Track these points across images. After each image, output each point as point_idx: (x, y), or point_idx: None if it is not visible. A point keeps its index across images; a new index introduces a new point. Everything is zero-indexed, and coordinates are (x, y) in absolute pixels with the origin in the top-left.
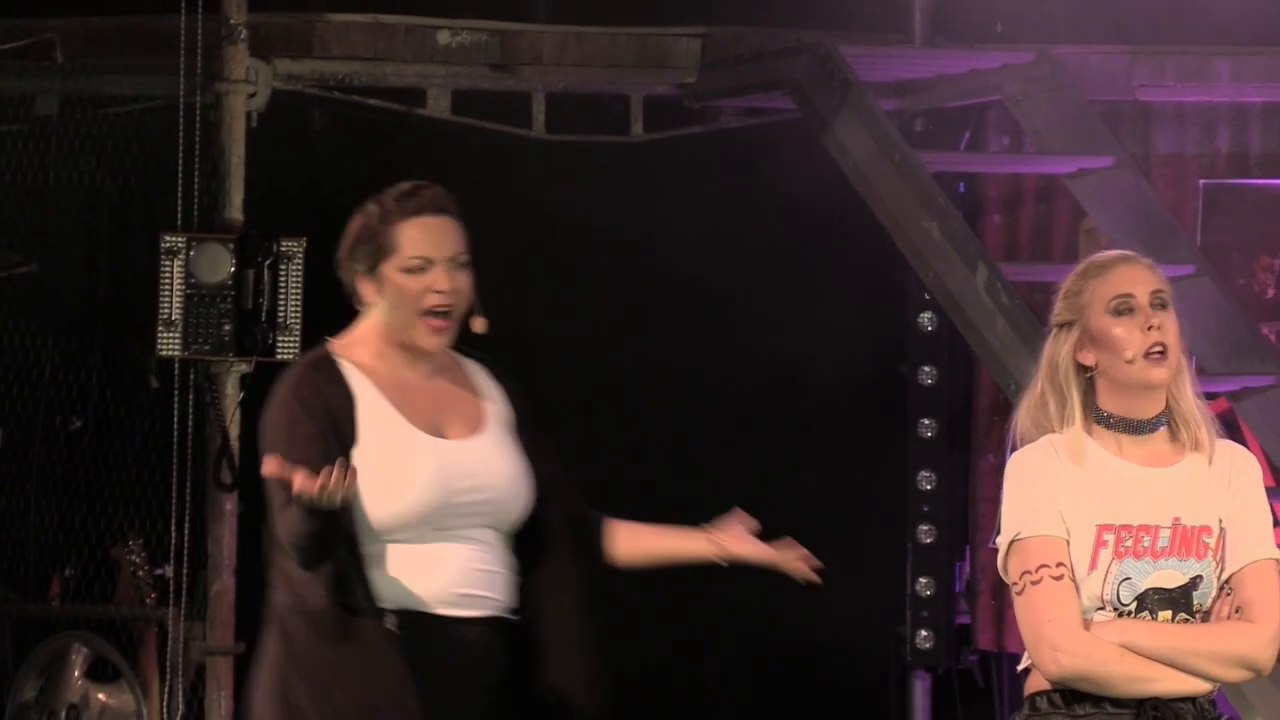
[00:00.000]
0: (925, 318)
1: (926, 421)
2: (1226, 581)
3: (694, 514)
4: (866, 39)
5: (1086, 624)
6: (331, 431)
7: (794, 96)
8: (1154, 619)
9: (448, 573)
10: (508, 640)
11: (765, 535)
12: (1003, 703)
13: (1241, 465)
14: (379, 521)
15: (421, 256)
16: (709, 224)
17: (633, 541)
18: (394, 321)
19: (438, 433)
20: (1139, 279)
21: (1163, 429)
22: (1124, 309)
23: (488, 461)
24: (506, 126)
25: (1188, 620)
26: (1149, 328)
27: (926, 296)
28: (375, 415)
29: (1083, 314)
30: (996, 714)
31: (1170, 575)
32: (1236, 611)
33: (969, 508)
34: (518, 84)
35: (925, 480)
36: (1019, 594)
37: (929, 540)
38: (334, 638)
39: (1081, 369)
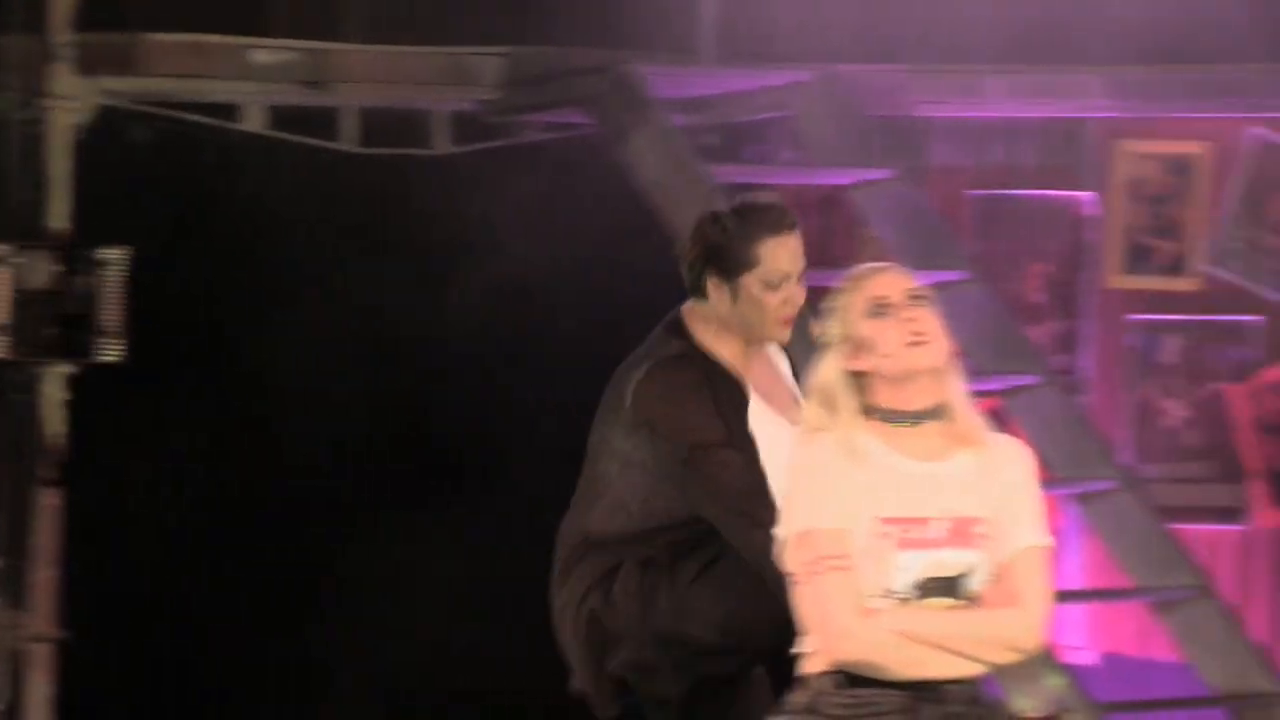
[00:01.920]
0: None
1: None
2: (997, 568)
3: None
4: (661, 58)
5: (867, 612)
6: (741, 432)
7: (592, 113)
8: (928, 606)
9: None
10: None
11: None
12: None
13: (1013, 456)
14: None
15: (782, 272)
16: (513, 232)
17: None
18: (748, 322)
19: (783, 412)
20: (893, 283)
21: (936, 421)
22: (881, 311)
23: None
24: (320, 141)
25: (960, 607)
26: (906, 321)
27: None
28: (756, 413)
29: (847, 325)
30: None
31: (945, 564)
32: (1006, 597)
33: None
34: (330, 100)
35: None
36: (801, 584)
37: None
38: None
39: (854, 375)
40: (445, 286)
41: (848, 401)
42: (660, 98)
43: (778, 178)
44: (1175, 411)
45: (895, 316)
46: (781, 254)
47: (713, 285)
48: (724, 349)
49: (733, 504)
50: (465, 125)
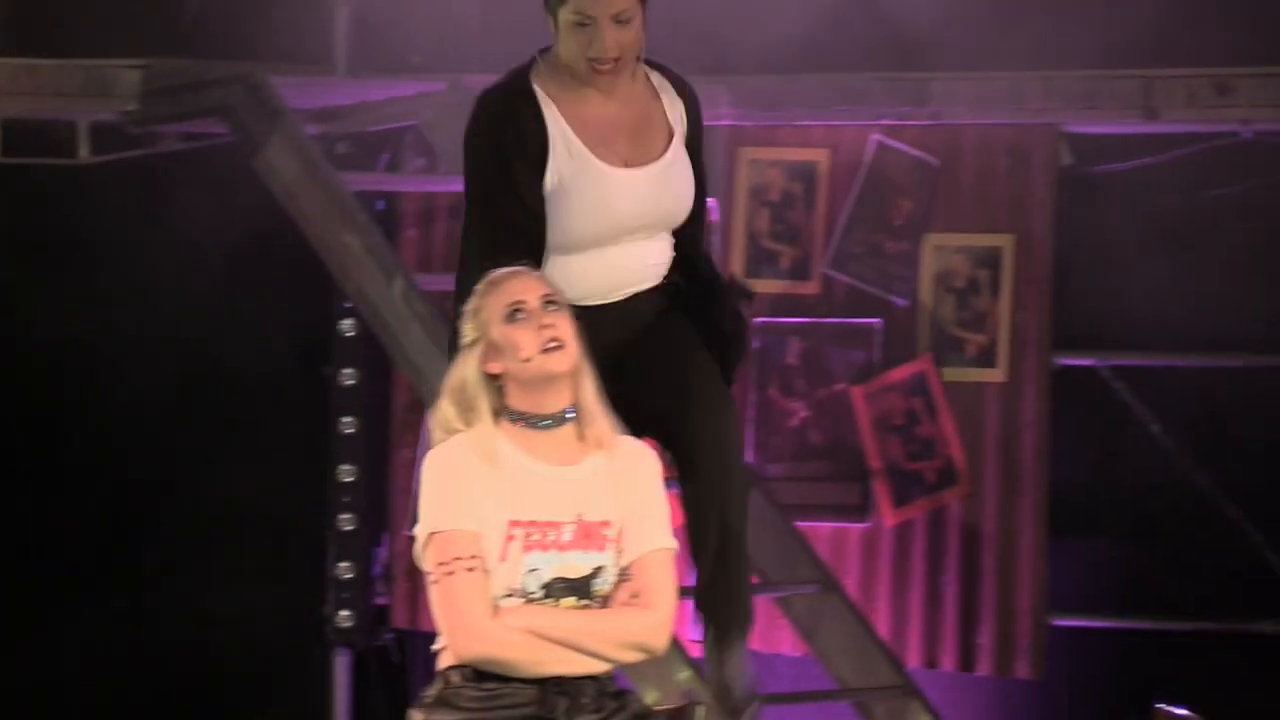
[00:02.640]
0: (346, 324)
1: (347, 419)
2: (626, 569)
3: (118, 507)
4: (294, 69)
5: (496, 611)
6: (526, 169)
7: (228, 122)
8: (558, 606)
9: (616, 274)
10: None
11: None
12: (416, 677)
13: (640, 460)
14: (556, 244)
15: (586, 14)
16: (153, 239)
17: None
18: (567, 61)
19: (621, 163)
20: (529, 287)
21: (570, 425)
22: (518, 315)
23: (665, 184)
24: None
25: (589, 606)
26: (542, 326)
27: (348, 305)
28: (564, 150)
29: (484, 328)
30: (410, 687)
31: (574, 566)
32: (634, 597)
33: (387, 498)
34: None
35: (346, 473)
36: (434, 583)
37: (350, 528)
38: None
39: (491, 378)
40: (90, 290)
41: (483, 404)
42: (293, 107)
43: (408, 185)
44: (798, 411)
45: (532, 321)
46: None
47: (549, 20)
48: (554, 86)
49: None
50: (106, 135)
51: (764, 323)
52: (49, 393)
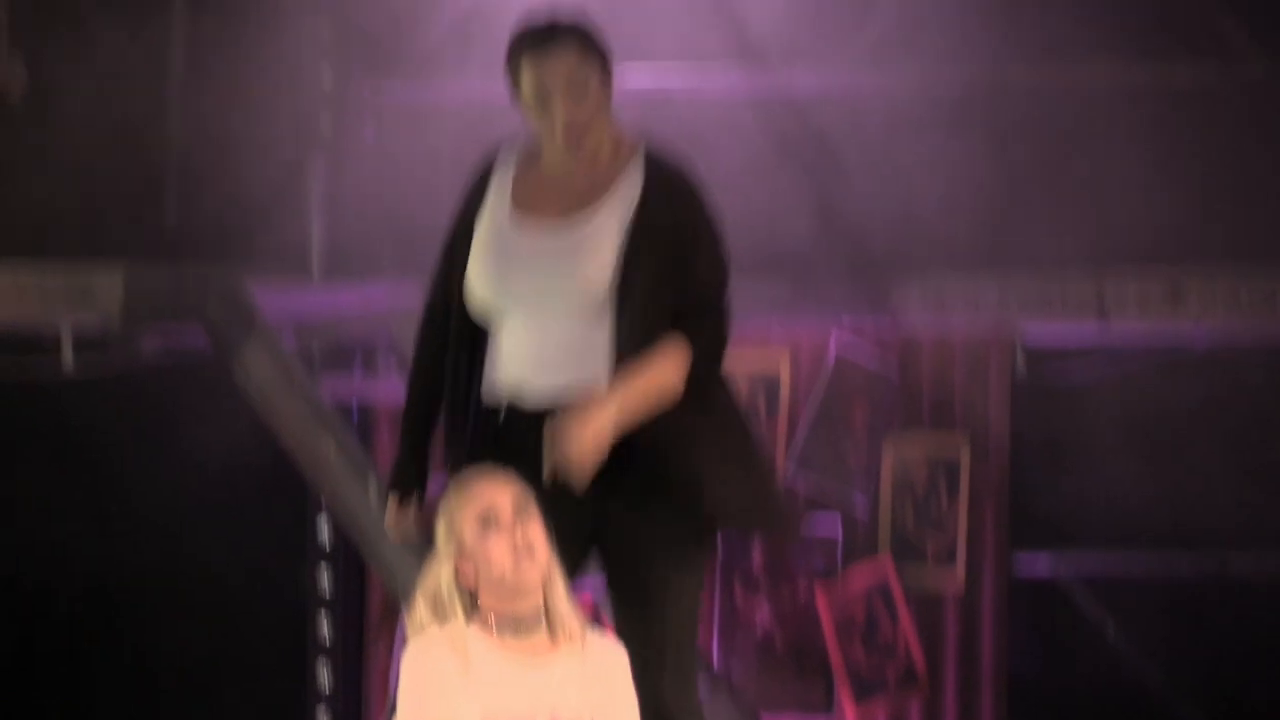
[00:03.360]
0: (322, 527)
1: (323, 620)
2: None
3: (92, 705)
4: (271, 276)
5: None
6: (464, 234)
7: (205, 329)
8: None
9: (537, 351)
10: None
11: None
12: None
13: (611, 656)
14: (480, 313)
15: (540, 91)
16: (129, 452)
17: None
18: (544, 143)
19: (534, 220)
20: (501, 494)
21: (540, 624)
22: (489, 524)
23: (571, 250)
24: None
25: None
26: (513, 533)
27: (324, 507)
28: (494, 207)
29: (458, 535)
30: None
31: None
32: None
33: (363, 698)
34: None
35: (323, 672)
36: None
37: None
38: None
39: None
40: (68, 493)
41: (456, 605)
42: (269, 312)
43: (383, 389)
44: (761, 609)
45: (503, 533)
46: (536, 74)
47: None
48: (529, 152)
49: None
50: (87, 340)
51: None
52: (32, 600)
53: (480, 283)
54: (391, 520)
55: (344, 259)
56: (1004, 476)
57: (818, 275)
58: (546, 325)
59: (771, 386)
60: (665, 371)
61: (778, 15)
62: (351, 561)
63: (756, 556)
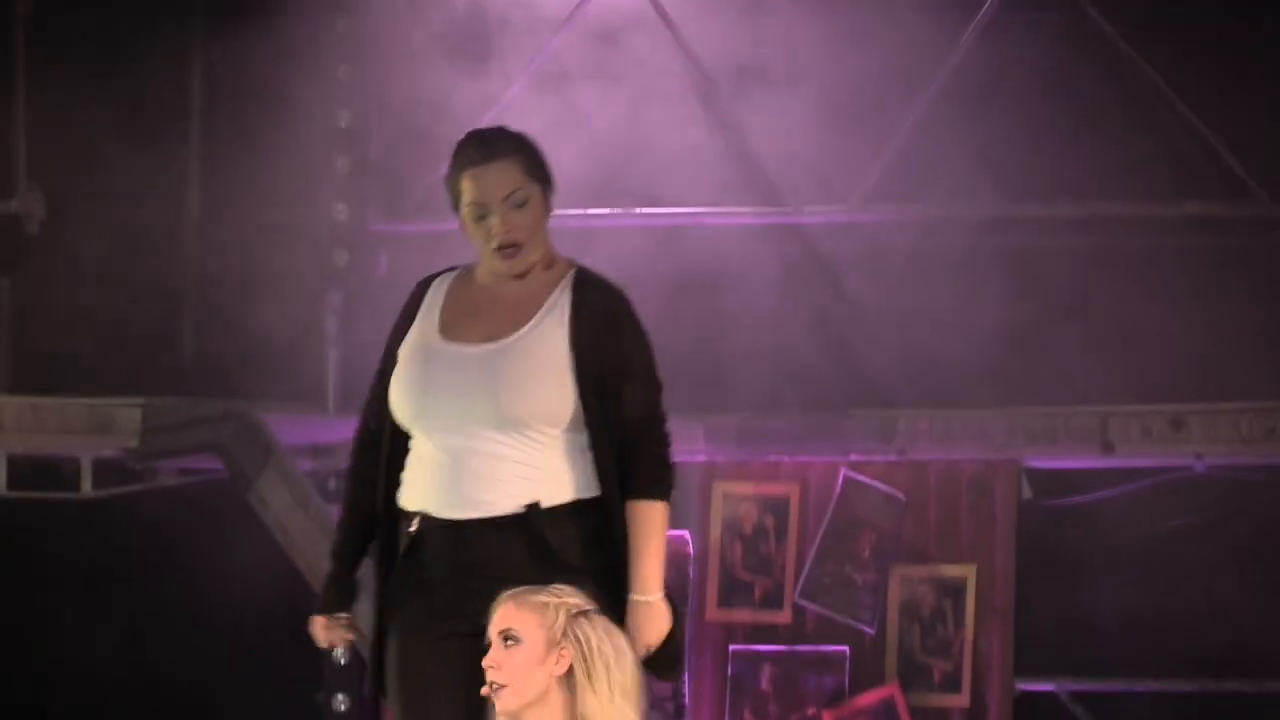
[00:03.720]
0: (338, 651)
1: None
2: None
3: None
4: (286, 407)
5: None
6: (393, 353)
7: (222, 458)
8: None
9: (456, 473)
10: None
11: None
12: None
13: None
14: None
15: (479, 204)
16: (152, 569)
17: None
18: (483, 258)
19: (458, 338)
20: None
21: None
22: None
23: (497, 368)
24: None
25: None
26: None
27: None
28: (421, 326)
29: None
30: None
31: None
32: None
33: None
34: None
35: None
36: None
37: None
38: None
39: None
40: (89, 620)
41: None
42: (285, 443)
43: None
44: None
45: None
46: (476, 186)
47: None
48: (470, 272)
49: None
50: (107, 470)
51: (738, 649)
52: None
53: (400, 402)
54: (320, 639)
55: (359, 391)
56: (1009, 601)
57: (828, 408)
58: (462, 445)
59: (781, 516)
60: (662, 531)
61: (793, 151)
62: (367, 684)
63: (766, 683)
